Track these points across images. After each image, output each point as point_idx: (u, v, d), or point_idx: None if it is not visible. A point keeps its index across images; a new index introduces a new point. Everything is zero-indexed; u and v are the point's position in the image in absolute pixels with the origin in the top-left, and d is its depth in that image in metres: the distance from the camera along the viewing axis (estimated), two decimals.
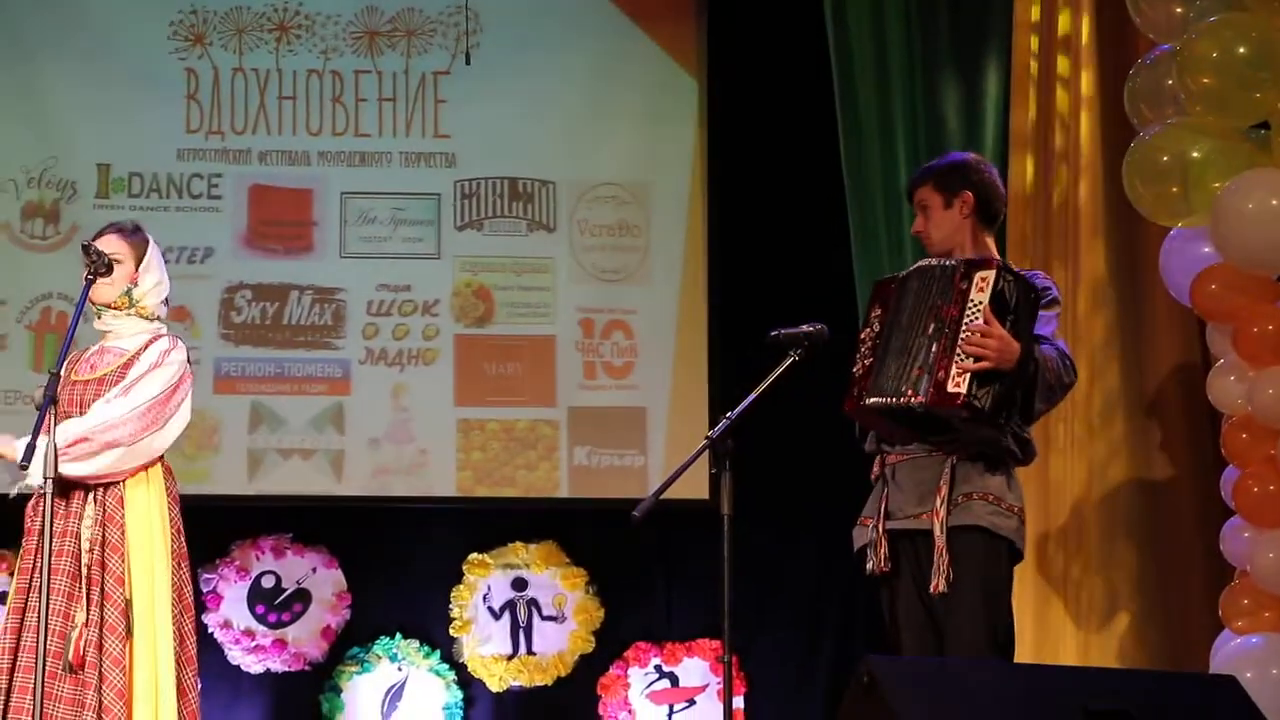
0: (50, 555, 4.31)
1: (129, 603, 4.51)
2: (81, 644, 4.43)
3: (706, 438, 4.17)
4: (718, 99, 6.88)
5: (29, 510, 4.60)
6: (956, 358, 4.21)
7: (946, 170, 4.59)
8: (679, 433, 6.70)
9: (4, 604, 4.85)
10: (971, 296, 4.25)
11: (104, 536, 4.53)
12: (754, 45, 6.85)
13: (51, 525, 4.35)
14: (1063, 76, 5.99)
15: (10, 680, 4.42)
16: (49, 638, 4.37)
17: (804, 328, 4.31)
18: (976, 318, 4.23)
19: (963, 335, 4.22)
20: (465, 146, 6.84)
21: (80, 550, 4.51)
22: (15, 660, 4.44)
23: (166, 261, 4.84)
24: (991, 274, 4.26)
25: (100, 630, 4.46)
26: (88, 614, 4.46)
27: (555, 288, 6.82)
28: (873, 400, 4.31)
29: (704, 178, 6.85)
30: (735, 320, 6.65)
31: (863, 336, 4.43)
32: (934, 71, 6.19)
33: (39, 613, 4.32)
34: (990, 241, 4.58)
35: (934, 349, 4.24)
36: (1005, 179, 5.93)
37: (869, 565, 4.44)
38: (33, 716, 4.26)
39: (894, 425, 4.39)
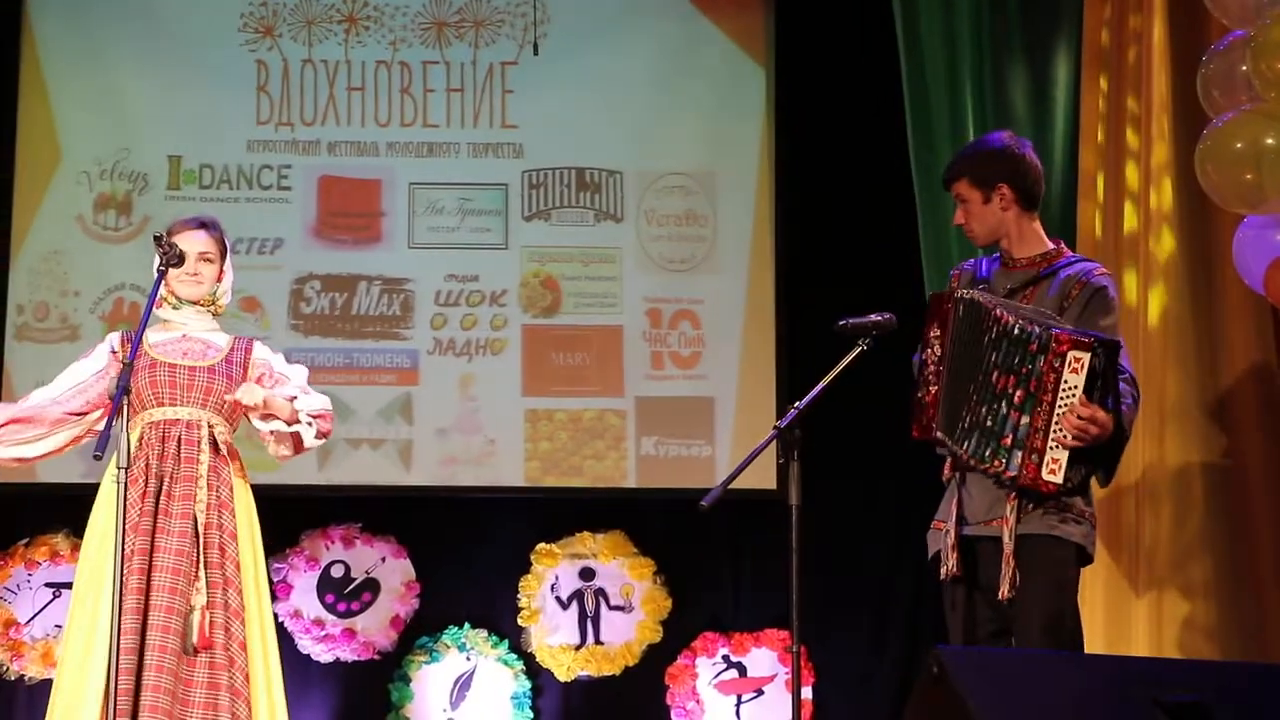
0: (122, 538, 4.31)
1: (242, 588, 4.57)
2: (206, 626, 4.46)
3: (775, 427, 4.17)
4: (785, 87, 6.86)
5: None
6: (1050, 445, 4.17)
7: (981, 162, 4.50)
8: (746, 423, 6.69)
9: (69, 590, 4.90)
10: (1065, 378, 4.16)
11: (220, 522, 4.57)
12: (822, 33, 6.82)
13: (125, 511, 4.37)
14: (1133, 62, 5.92)
15: (139, 660, 4.40)
16: (171, 618, 4.41)
17: (872, 317, 4.29)
18: (1072, 403, 4.17)
19: (1058, 427, 4.16)
20: (533, 137, 6.86)
21: (197, 533, 4.53)
22: (142, 641, 4.42)
23: (235, 252, 4.88)
24: (1086, 356, 4.17)
25: (225, 613, 4.51)
26: (208, 596, 4.49)
27: (622, 278, 6.83)
28: (946, 439, 4.30)
29: (771, 167, 6.83)
30: (803, 310, 6.63)
31: (924, 358, 4.40)
32: (1003, 58, 6.13)
33: (115, 593, 4.30)
34: (1037, 225, 4.51)
35: (1023, 422, 4.19)
36: (1075, 168, 5.89)
37: (942, 571, 4.40)
38: (130, 697, 4.28)
39: None
